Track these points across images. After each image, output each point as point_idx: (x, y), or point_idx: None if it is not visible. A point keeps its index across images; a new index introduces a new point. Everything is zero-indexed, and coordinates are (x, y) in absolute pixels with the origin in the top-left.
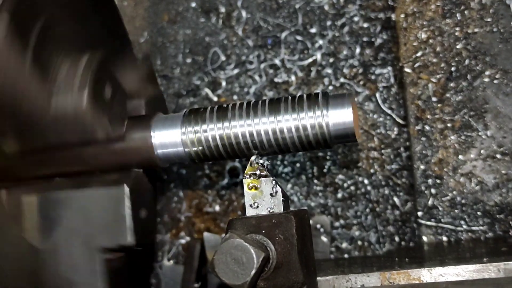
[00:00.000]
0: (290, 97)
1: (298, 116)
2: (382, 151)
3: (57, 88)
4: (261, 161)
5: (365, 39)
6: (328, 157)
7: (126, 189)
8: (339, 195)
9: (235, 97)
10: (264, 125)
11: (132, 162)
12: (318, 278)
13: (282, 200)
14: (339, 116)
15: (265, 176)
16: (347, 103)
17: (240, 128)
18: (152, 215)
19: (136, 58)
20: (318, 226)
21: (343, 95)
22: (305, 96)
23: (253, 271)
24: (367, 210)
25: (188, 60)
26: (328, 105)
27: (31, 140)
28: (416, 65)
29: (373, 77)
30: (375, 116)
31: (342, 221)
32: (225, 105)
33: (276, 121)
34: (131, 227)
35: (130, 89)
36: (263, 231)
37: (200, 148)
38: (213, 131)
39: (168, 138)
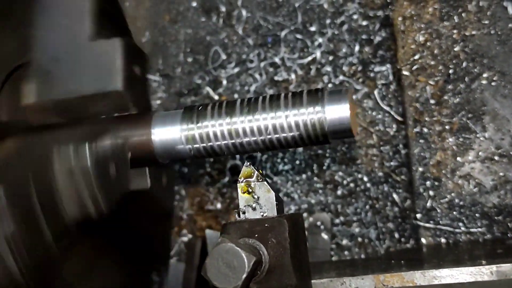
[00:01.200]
0: (288, 93)
1: (297, 112)
2: (381, 148)
3: None
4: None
5: (364, 37)
6: (327, 155)
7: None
8: (339, 192)
9: (236, 95)
10: (263, 121)
11: (133, 159)
12: (313, 281)
13: (276, 204)
14: (336, 112)
15: (259, 180)
16: (344, 99)
17: (240, 124)
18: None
19: None
20: (319, 223)
21: (340, 91)
22: (304, 92)
23: (244, 275)
24: (367, 207)
25: (189, 59)
26: (325, 100)
27: None
28: (414, 67)
29: (372, 74)
30: (373, 113)
31: (342, 218)
32: (224, 102)
33: (275, 117)
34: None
35: None
36: (256, 235)
37: (200, 144)
38: (213, 127)
39: (168, 135)
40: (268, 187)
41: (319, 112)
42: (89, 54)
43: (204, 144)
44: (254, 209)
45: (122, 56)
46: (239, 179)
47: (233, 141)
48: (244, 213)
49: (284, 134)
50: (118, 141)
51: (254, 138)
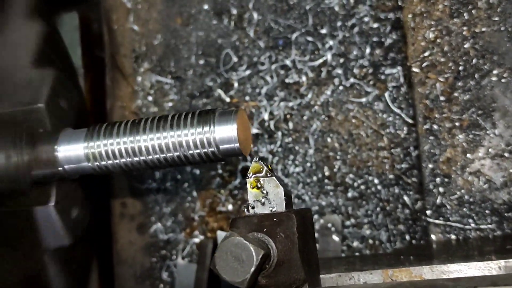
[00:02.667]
0: (185, 114)
1: (191, 131)
2: (392, 150)
3: None
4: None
5: (375, 39)
6: (338, 157)
7: (51, 205)
8: (350, 195)
9: (247, 98)
10: (162, 140)
11: (40, 175)
12: (322, 276)
13: (285, 199)
14: (225, 131)
15: (268, 175)
16: (233, 119)
17: (141, 142)
18: (84, 207)
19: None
20: (330, 225)
21: (230, 112)
22: (197, 113)
23: (253, 269)
24: (378, 209)
25: (201, 62)
26: (215, 121)
27: None
28: (424, 64)
29: (382, 77)
30: (384, 115)
31: (353, 220)
32: (125, 121)
33: (171, 136)
34: (65, 230)
35: None
36: (265, 230)
37: (101, 162)
38: (110, 145)
39: (72, 152)
40: (277, 182)
41: (210, 132)
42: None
43: (105, 162)
44: (263, 204)
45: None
46: (248, 175)
47: (134, 158)
48: (253, 208)
49: (179, 153)
50: None
51: (152, 156)
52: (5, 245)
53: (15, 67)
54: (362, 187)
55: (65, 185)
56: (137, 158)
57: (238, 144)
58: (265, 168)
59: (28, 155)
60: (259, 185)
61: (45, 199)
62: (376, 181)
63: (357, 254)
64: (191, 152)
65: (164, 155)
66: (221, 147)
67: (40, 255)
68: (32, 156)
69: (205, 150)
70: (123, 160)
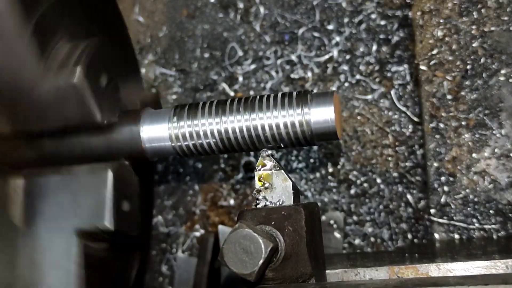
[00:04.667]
0: (277, 95)
1: (284, 113)
2: (397, 148)
3: (52, 65)
4: (269, 152)
5: (382, 36)
6: (342, 154)
7: (110, 173)
8: (353, 192)
9: (251, 92)
10: (249, 122)
11: (120, 154)
12: (327, 271)
13: (293, 192)
14: (321, 114)
15: (276, 168)
16: (329, 101)
17: (226, 124)
18: (136, 208)
19: (136, 59)
20: (332, 222)
21: (326, 93)
22: (291, 94)
23: (261, 261)
24: (380, 207)
25: (206, 55)
26: (311, 103)
27: (21, 119)
28: (432, 62)
29: (389, 74)
30: (390, 113)
31: (355, 218)
32: (214, 101)
33: (263, 118)
34: (110, 211)
35: (125, 86)
36: (273, 223)
37: (185, 143)
38: (198, 126)
39: (156, 132)
40: (285, 175)
41: (306, 114)
42: None
43: (189, 143)
44: (271, 197)
45: None
46: (257, 167)
47: (221, 139)
48: (263, 197)
49: (270, 134)
50: None
51: (241, 138)
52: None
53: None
54: (366, 184)
55: (127, 170)
56: (224, 140)
57: (334, 125)
58: (274, 161)
59: (108, 138)
60: (268, 178)
61: (103, 169)
62: (379, 178)
63: (358, 251)
64: (282, 134)
65: (254, 137)
66: (316, 129)
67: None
68: (114, 138)
69: (298, 132)
70: (208, 141)
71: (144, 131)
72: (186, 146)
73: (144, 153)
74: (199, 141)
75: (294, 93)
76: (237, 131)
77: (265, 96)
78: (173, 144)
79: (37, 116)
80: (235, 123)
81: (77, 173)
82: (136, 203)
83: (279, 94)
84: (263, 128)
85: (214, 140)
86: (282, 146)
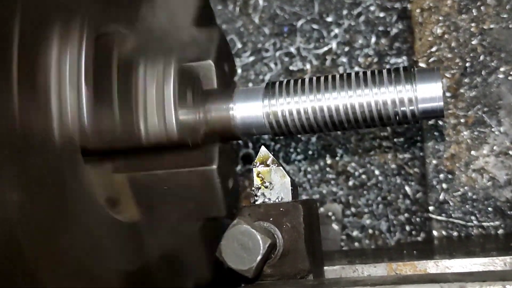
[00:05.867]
0: (377, 71)
1: (387, 90)
2: (395, 140)
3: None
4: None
5: (380, 28)
6: (340, 145)
7: (215, 168)
8: (351, 183)
9: (250, 84)
10: (350, 99)
11: (215, 136)
12: (326, 268)
13: (291, 189)
14: (428, 91)
15: (275, 165)
16: (437, 78)
17: (325, 101)
18: (236, 182)
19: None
20: (330, 213)
21: (432, 69)
22: (393, 69)
23: (259, 257)
24: (379, 199)
25: None
26: (416, 79)
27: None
28: (431, 60)
29: (387, 66)
30: None
31: (353, 209)
32: (308, 78)
33: (363, 95)
34: (223, 200)
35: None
36: (271, 219)
37: (282, 120)
38: (293, 104)
39: (250, 111)
40: (284, 172)
41: (411, 90)
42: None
43: (286, 121)
44: (269, 193)
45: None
46: (255, 163)
47: (319, 117)
48: (261, 194)
49: (373, 112)
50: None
51: (340, 116)
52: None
53: (179, 27)
54: (364, 176)
55: (225, 151)
56: (323, 117)
57: (442, 103)
58: (272, 157)
59: (203, 112)
60: (266, 174)
61: (208, 161)
62: (378, 170)
63: (356, 244)
64: (386, 111)
65: (356, 114)
66: (422, 106)
67: (190, 227)
68: (207, 113)
69: (404, 109)
70: (307, 118)
71: (236, 110)
72: (282, 122)
73: (236, 133)
74: (295, 118)
75: (401, 69)
76: (341, 108)
77: (368, 72)
78: (269, 121)
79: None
80: (338, 99)
81: (184, 170)
82: (237, 177)
83: (384, 71)
84: (369, 105)
85: (312, 117)
86: (383, 124)
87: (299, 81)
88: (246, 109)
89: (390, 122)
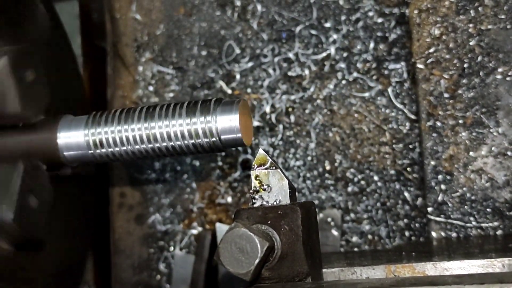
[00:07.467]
0: (184, 103)
1: (190, 121)
2: (394, 146)
3: None
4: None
5: (379, 34)
6: (339, 151)
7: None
8: (350, 189)
9: (249, 90)
10: (160, 129)
11: (39, 160)
12: (324, 270)
13: (289, 191)
14: (227, 122)
15: (273, 167)
16: (235, 109)
17: (138, 131)
18: (44, 208)
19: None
20: (329, 219)
21: (232, 102)
22: (198, 102)
23: (257, 260)
24: (378, 204)
25: (203, 53)
26: (217, 111)
27: None
28: (429, 61)
29: (386, 72)
30: (387, 111)
31: (352, 215)
32: (126, 109)
33: (171, 125)
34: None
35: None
36: (269, 222)
37: (102, 150)
38: (113, 133)
39: (73, 139)
40: (282, 174)
41: (212, 122)
42: None
43: (106, 150)
44: (267, 196)
45: None
46: (253, 166)
47: (133, 146)
48: (260, 196)
49: (179, 142)
50: None
51: (153, 145)
52: None
53: None
54: (363, 182)
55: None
56: (137, 146)
57: (240, 135)
58: (270, 160)
59: (26, 141)
60: (264, 177)
61: None
62: (377, 176)
63: (356, 249)
64: (191, 141)
65: (165, 144)
66: (223, 137)
67: None
68: (31, 142)
69: (207, 140)
70: (123, 148)
71: (61, 138)
72: (101, 152)
73: (60, 158)
74: (113, 149)
75: (210, 102)
76: (145, 139)
77: (185, 103)
78: (90, 152)
79: None
80: (148, 130)
81: None
82: (46, 203)
83: (185, 103)
84: (168, 136)
85: (122, 147)
86: (191, 153)
87: (118, 111)
88: (70, 138)
89: (198, 151)
